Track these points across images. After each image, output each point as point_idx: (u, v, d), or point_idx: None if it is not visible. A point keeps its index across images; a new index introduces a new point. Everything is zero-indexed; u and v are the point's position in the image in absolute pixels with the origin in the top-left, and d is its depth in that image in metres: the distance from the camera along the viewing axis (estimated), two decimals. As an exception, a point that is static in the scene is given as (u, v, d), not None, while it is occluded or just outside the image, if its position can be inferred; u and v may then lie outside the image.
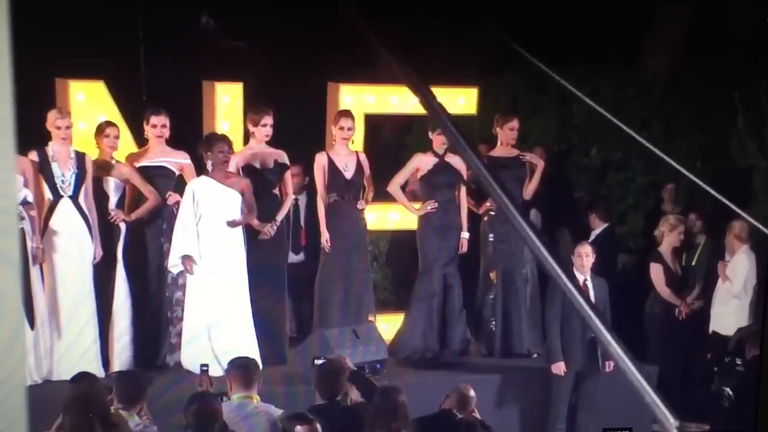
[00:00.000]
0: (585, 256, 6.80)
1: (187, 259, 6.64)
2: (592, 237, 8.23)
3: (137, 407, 4.94)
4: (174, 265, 6.71)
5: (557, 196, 8.92)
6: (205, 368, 5.55)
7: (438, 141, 7.41)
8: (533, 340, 7.75)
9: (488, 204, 7.63)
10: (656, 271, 7.88)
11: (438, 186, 7.45)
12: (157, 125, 6.93)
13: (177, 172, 7.05)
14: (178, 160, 7.04)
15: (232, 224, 6.71)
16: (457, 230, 7.51)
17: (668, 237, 7.92)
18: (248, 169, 7.07)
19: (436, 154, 7.45)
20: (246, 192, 6.82)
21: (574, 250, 6.90)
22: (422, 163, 7.45)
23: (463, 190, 7.56)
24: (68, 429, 4.54)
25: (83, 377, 5.18)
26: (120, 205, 6.89)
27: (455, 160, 7.45)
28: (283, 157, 7.20)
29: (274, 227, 7.08)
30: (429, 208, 7.40)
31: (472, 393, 5.51)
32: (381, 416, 4.91)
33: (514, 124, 7.65)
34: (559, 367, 6.79)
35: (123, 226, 6.83)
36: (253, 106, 7.23)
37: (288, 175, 7.25)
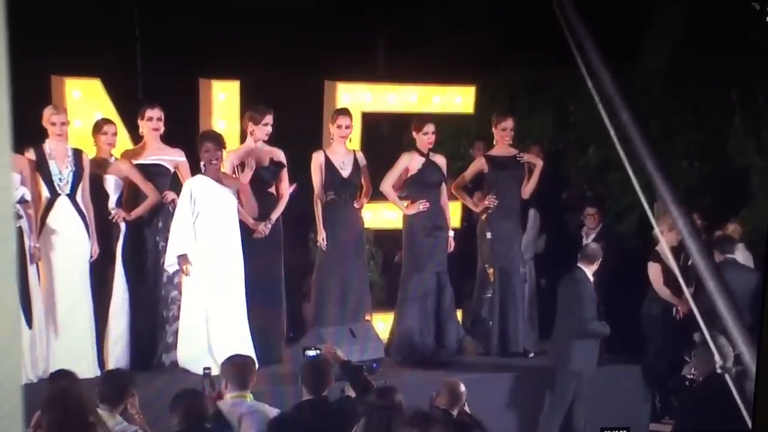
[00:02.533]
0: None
1: (182, 258, 6.62)
2: (594, 235, 8.28)
3: (119, 407, 4.89)
4: (170, 264, 6.69)
5: (555, 195, 8.92)
6: (208, 371, 5.49)
7: (423, 140, 7.40)
8: (531, 339, 7.74)
9: (486, 202, 7.63)
10: (654, 271, 7.86)
11: (427, 185, 7.44)
12: (153, 118, 6.88)
13: (172, 170, 7.02)
14: (173, 158, 7.01)
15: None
16: (444, 229, 7.51)
17: (667, 236, 7.90)
18: (244, 167, 7.03)
19: (422, 154, 7.44)
20: (243, 191, 6.79)
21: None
22: (412, 162, 7.44)
23: (444, 188, 7.55)
24: (45, 427, 4.46)
25: (62, 375, 5.08)
26: (120, 203, 6.86)
27: (439, 159, 7.47)
28: (279, 156, 7.18)
29: (268, 226, 7.06)
30: (421, 207, 7.38)
31: (462, 388, 5.45)
32: (380, 416, 4.87)
33: (508, 124, 7.64)
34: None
35: (123, 225, 6.81)
36: (253, 106, 7.21)
37: (284, 173, 7.22)
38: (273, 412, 5.10)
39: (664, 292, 7.87)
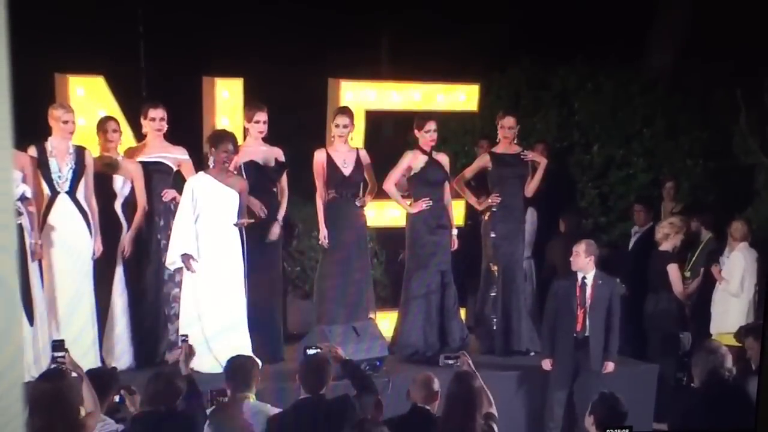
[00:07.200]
0: (576, 254, 6.81)
1: (186, 257, 6.60)
2: (639, 234, 8.50)
3: (103, 405, 4.87)
4: (171, 262, 6.66)
5: (558, 193, 8.89)
6: (184, 338, 5.55)
7: (425, 138, 7.37)
8: (532, 337, 7.73)
9: (489, 201, 7.60)
10: (675, 272, 7.84)
11: (430, 183, 7.42)
12: (156, 119, 6.86)
13: (174, 168, 7.00)
14: (175, 156, 6.98)
15: (239, 224, 6.68)
16: (447, 227, 7.49)
17: (673, 239, 7.89)
18: (250, 167, 7.01)
19: (424, 152, 7.42)
20: (242, 193, 6.74)
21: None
22: (414, 161, 7.41)
23: (447, 186, 7.53)
24: (31, 428, 4.37)
25: (53, 374, 4.85)
26: (127, 203, 6.83)
27: (441, 157, 7.45)
28: (280, 155, 7.16)
29: (278, 227, 7.05)
30: (424, 205, 7.36)
31: (436, 385, 5.24)
32: (459, 403, 4.88)
33: (509, 122, 7.57)
34: (547, 363, 6.91)
35: (125, 223, 6.80)
36: (247, 103, 7.19)
37: (285, 173, 7.20)
38: (275, 411, 5.09)
39: (682, 292, 7.89)
